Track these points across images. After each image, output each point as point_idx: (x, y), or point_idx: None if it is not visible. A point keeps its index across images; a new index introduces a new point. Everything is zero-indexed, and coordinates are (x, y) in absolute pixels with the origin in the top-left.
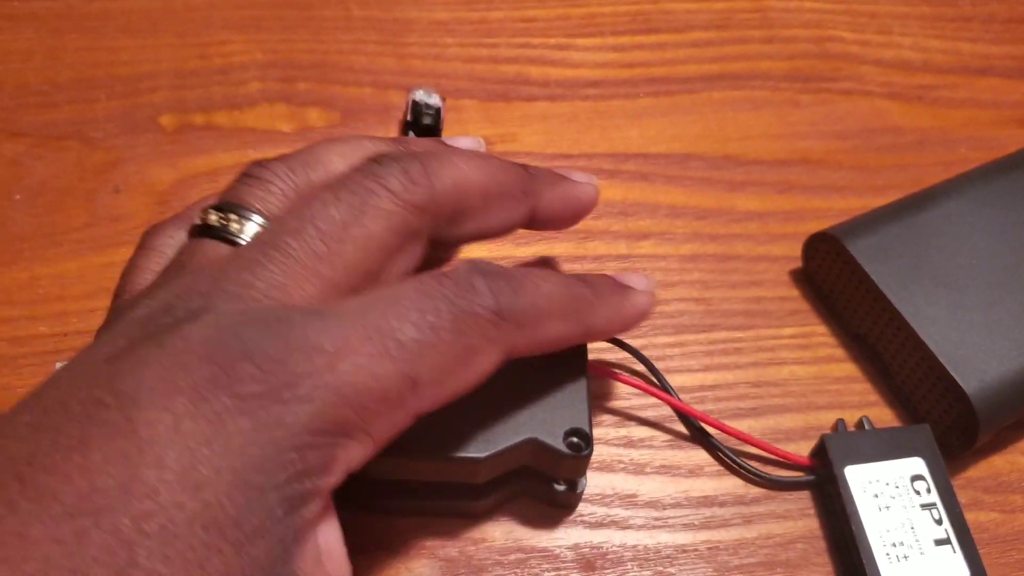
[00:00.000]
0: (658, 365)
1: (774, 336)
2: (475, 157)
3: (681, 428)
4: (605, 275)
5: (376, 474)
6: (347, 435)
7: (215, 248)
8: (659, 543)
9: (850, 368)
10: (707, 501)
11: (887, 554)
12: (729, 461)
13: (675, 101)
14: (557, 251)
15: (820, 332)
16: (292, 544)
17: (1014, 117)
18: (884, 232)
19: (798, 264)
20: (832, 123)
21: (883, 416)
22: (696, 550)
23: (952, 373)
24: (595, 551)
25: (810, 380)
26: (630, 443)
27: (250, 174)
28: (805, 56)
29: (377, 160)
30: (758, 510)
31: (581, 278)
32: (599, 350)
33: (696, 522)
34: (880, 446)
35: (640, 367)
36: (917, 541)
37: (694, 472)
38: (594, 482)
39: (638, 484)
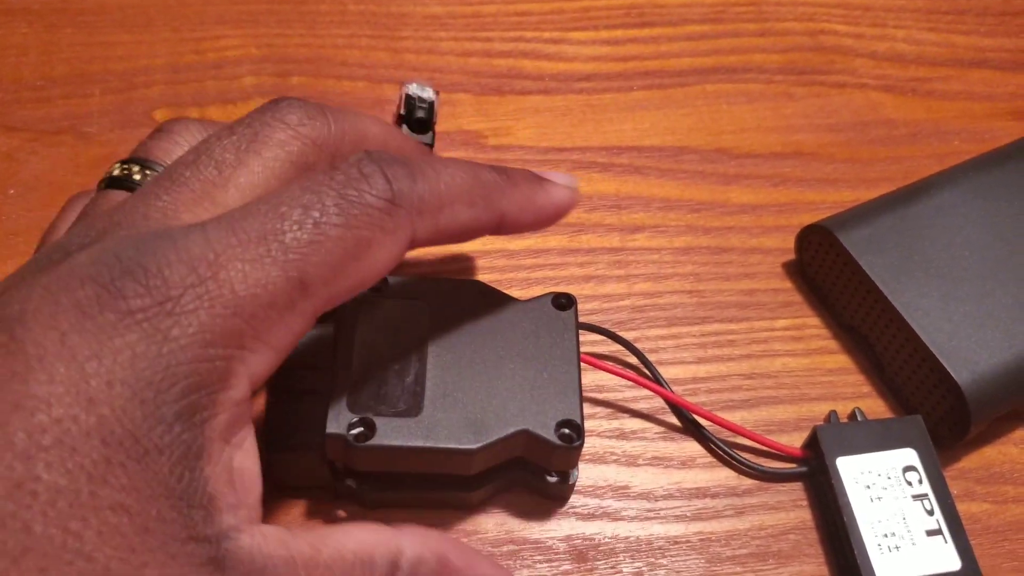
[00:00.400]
0: (651, 357)
1: (767, 328)
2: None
3: (674, 420)
4: (522, 168)
5: (370, 467)
6: (241, 346)
7: (117, 196)
8: (651, 534)
9: (843, 360)
10: (699, 492)
11: (878, 545)
12: (721, 453)
13: (668, 94)
14: (551, 245)
15: (813, 324)
16: (197, 459)
17: (1008, 109)
18: (877, 224)
19: (791, 256)
20: (826, 116)
21: (876, 408)
22: (688, 541)
23: (944, 364)
24: (587, 542)
25: (803, 372)
26: (623, 435)
27: (160, 128)
28: (799, 49)
29: (280, 101)
30: (750, 501)
31: (493, 166)
32: (592, 343)
33: (688, 513)
34: (872, 437)
35: (633, 359)
36: (909, 532)
37: (686, 464)
38: (587, 474)
39: (631, 476)
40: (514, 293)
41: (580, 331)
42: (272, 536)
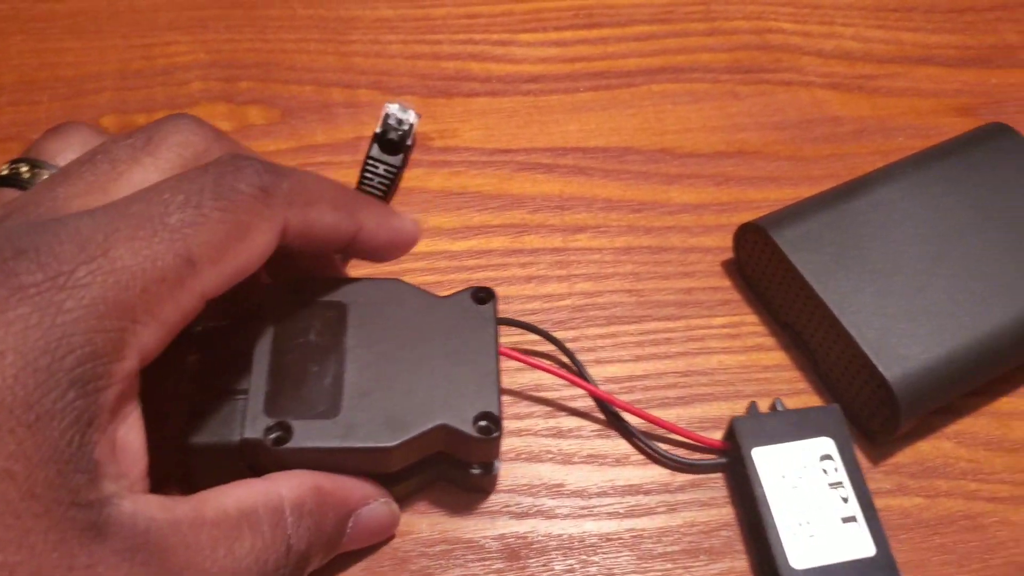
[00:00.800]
0: (589, 356)
1: (704, 326)
2: None
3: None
4: None
5: (290, 469)
6: (133, 319)
7: (7, 193)
8: (584, 532)
9: (779, 356)
10: (632, 489)
11: (794, 533)
12: (643, 445)
13: (615, 95)
14: (493, 246)
15: (750, 321)
16: (87, 427)
17: (953, 105)
18: (811, 221)
19: (730, 255)
20: (771, 114)
21: (810, 402)
22: (620, 538)
23: (874, 360)
24: (520, 540)
25: (739, 369)
26: (559, 433)
27: (52, 130)
28: (746, 48)
29: (178, 115)
30: (683, 498)
31: None
32: (531, 342)
33: (621, 510)
34: (789, 427)
35: (564, 358)
36: (824, 519)
37: (620, 461)
38: (522, 472)
39: (565, 474)
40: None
41: (514, 328)
42: (154, 502)
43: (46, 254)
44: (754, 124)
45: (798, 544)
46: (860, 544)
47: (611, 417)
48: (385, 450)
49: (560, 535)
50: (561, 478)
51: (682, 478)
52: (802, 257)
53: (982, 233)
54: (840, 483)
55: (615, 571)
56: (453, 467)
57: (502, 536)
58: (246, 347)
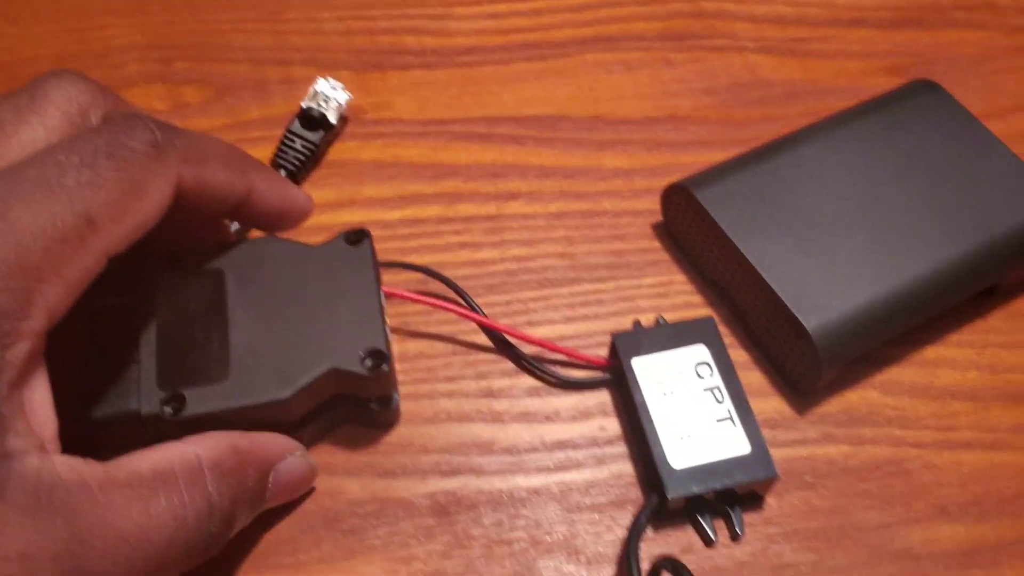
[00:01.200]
0: (522, 319)
1: (634, 286)
2: None
3: (541, 377)
4: None
5: (198, 430)
6: (38, 279)
7: None
8: (513, 486)
9: (707, 313)
10: (562, 445)
11: (672, 436)
12: (528, 366)
13: (548, 65)
14: (427, 215)
15: (679, 280)
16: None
17: (883, 66)
18: (733, 180)
19: (659, 217)
20: (703, 80)
21: (738, 357)
22: (549, 491)
23: (794, 311)
24: (449, 497)
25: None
26: (489, 393)
27: None
28: (679, 16)
29: (59, 72)
30: (611, 451)
31: None
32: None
33: (551, 465)
34: (666, 338)
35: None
36: (700, 421)
37: (551, 418)
38: (453, 431)
39: (495, 432)
40: (392, 258)
41: (406, 271)
42: (63, 462)
43: None
44: (686, 90)
45: (677, 445)
46: (736, 443)
47: (499, 344)
48: (280, 403)
49: (489, 490)
50: (491, 436)
51: (611, 432)
52: (724, 215)
53: (903, 187)
54: (715, 387)
55: (542, 522)
56: (353, 406)
57: (432, 494)
58: (133, 323)
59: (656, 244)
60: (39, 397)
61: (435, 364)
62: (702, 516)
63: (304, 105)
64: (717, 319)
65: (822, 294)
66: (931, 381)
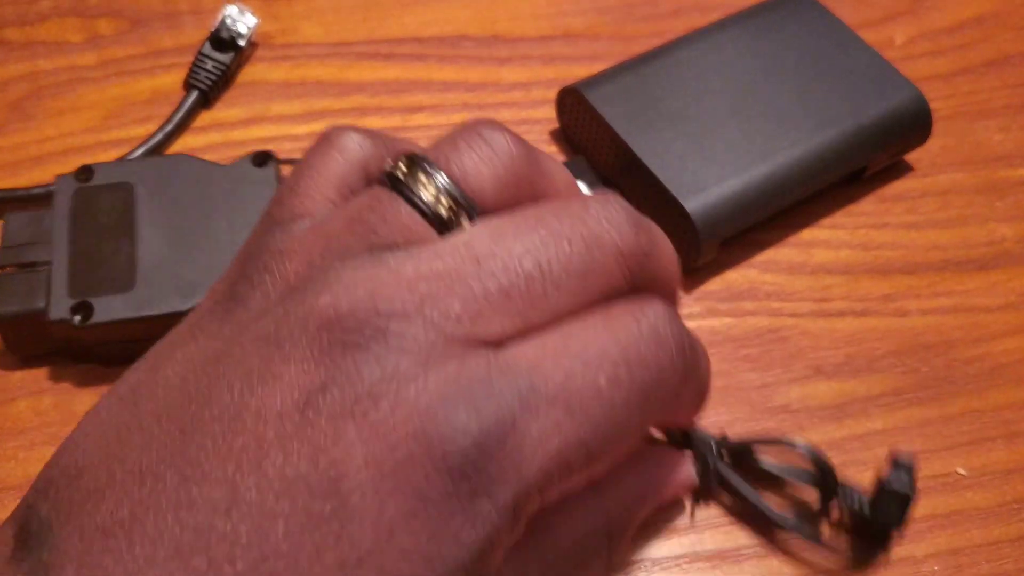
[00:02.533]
0: None
1: None
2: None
3: None
4: None
5: (99, 342)
6: (530, 507)
7: (410, 219)
8: None
9: None
10: None
11: None
12: None
13: None
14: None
15: (577, 183)
16: None
17: None
18: (620, 81)
19: (556, 124)
20: (595, 0)
21: None
22: None
23: (675, 194)
24: None
25: None
26: None
27: (478, 134)
28: None
29: (611, 202)
30: None
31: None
32: None
33: None
34: None
35: None
36: None
37: None
38: None
39: None
40: None
41: None
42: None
43: (482, 455)
44: (578, 9)
45: None
46: None
47: None
48: (183, 314)
49: None
50: None
51: None
52: (611, 112)
53: (776, 83)
54: None
55: None
56: None
57: None
58: (46, 232)
59: (554, 148)
60: None
61: None
62: None
63: (214, 29)
64: None
65: (700, 178)
66: (806, 259)
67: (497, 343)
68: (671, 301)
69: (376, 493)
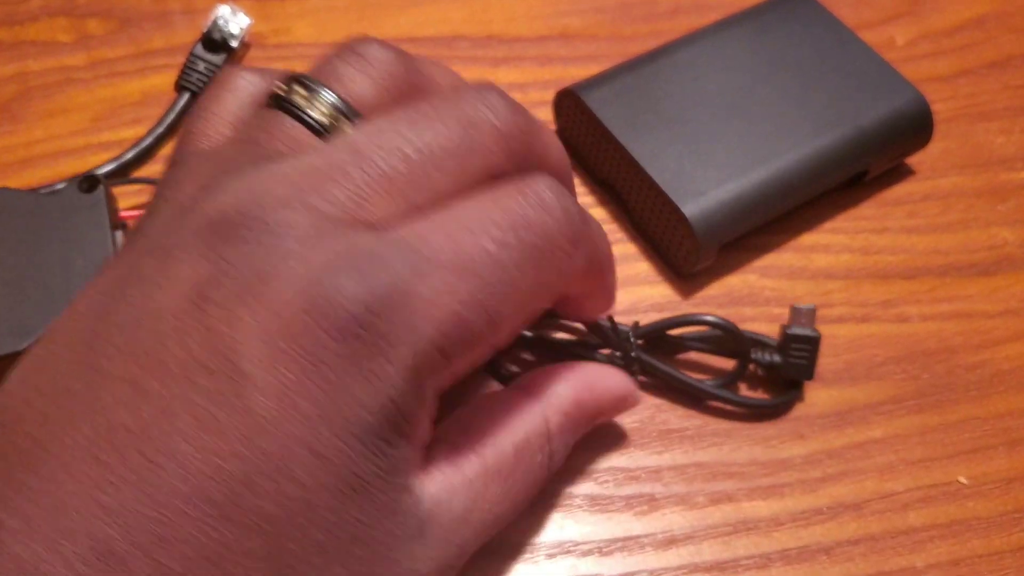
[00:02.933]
0: None
1: None
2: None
3: None
4: None
5: None
6: (435, 372)
7: (294, 131)
8: None
9: (599, 212)
10: None
11: None
12: None
13: None
14: None
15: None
16: (402, 491)
17: None
18: (617, 83)
19: (553, 125)
20: (592, 0)
21: (628, 250)
22: None
23: (673, 198)
24: None
25: None
26: None
27: (353, 50)
28: None
29: (487, 88)
30: None
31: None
32: None
33: None
34: None
35: None
36: None
37: None
38: None
39: None
40: None
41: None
42: (458, 490)
43: (372, 315)
44: (575, 10)
45: None
46: None
47: None
48: (17, 354)
49: None
50: None
51: None
52: (609, 115)
53: (775, 85)
54: None
55: None
56: None
57: None
58: None
59: None
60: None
61: None
62: None
63: (206, 29)
64: (607, 215)
65: (698, 182)
66: (807, 264)
67: (383, 224)
68: (560, 180)
69: (272, 363)
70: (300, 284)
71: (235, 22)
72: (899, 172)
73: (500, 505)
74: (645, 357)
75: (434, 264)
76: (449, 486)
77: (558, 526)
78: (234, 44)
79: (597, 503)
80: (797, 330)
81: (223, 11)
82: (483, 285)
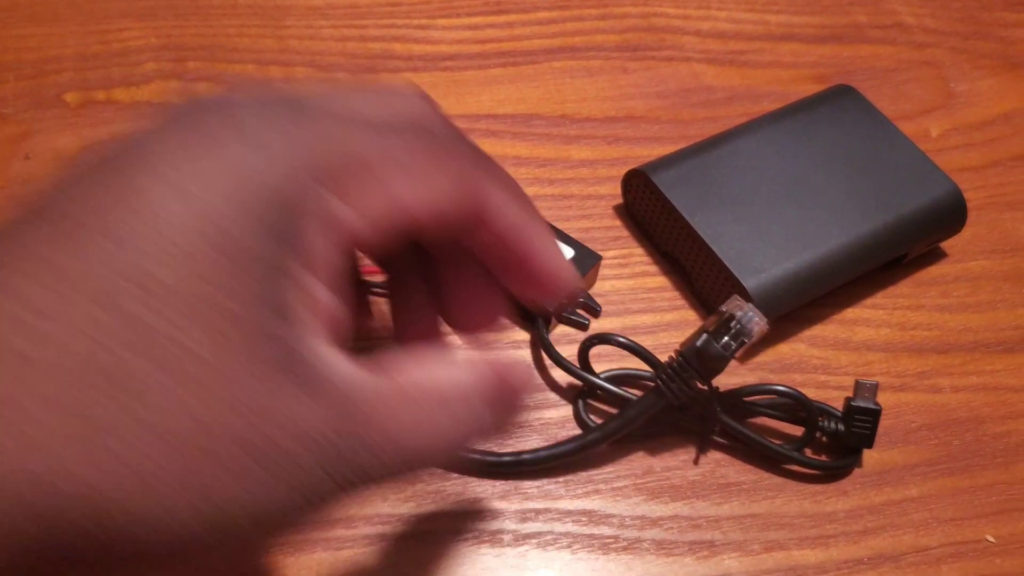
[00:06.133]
0: None
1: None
2: None
3: (518, 332)
4: None
5: None
6: (326, 186)
7: None
8: None
9: (662, 280)
10: (539, 388)
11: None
12: None
13: (520, 71)
14: None
15: (637, 254)
16: (288, 274)
17: (811, 75)
18: (683, 165)
19: (620, 200)
20: (655, 85)
21: (688, 316)
22: (530, 425)
23: (735, 273)
24: None
25: (627, 291)
26: None
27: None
28: (634, 30)
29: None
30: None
31: None
32: None
33: (530, 404)
34: None
35: None
36: None
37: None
38: None
39: None
40: None
41: None
42: (359, 367)
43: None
44: (640, 94)
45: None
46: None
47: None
48: None
49: None
50: None
51: None
52: (676, 194)
53: (824, 172)
54: None
55: None
56: None
57: None
58: None
59: (617, 223)
60: (329, 299)
61: None
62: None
63: None
64: (670, 284)
65: (758, 259)
66: (850, 336)
67: None
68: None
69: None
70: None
71: None
72: (934, 254)
73: (417, 436)
74: (727, 419)
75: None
76: (359, 377)
77: (627, 567)
78: None
79: (663, 547)
80: (861, 402)
81: None
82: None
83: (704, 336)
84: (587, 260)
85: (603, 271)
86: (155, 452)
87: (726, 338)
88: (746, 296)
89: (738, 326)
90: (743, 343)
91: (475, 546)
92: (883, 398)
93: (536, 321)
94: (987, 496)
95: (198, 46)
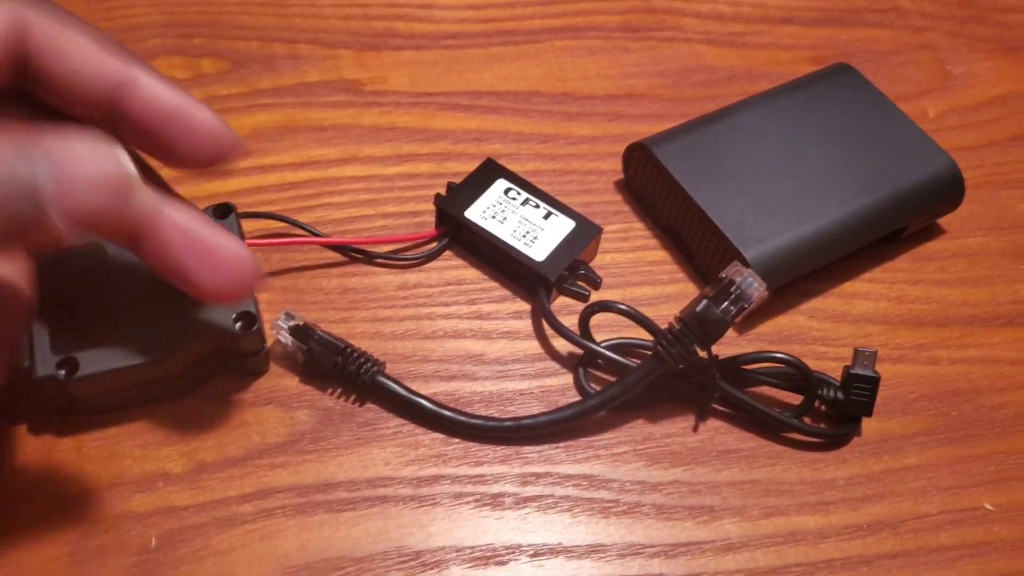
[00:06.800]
0: None
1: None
2: None
3: (520, 303)
4: None
5: (88, 393)
6: None
7: None
8: (502, 388)
9: (662, 254)
10: (541, 356)
11: (522, 244)
12: (384, 261)
13: (522, 49)
14: (420, 170)
15: (638, 228)
16: None
17: (809, 56)
18: (684, 139)
19: (621, 176)
20: (656, 65)
21: (688, 289)
22: (531, 393)
23: (735, 243)
24: (449, 397)
25: (628, 264)
26: (480, 316)
27: None
28: (635, 11)
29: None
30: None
31: None
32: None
33: (531, 372)
34: (474, 187)
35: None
36: (533, 224)
37: (530, 335)
38: (447, 346)
39: (485, 346)
40: (390, 210)
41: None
42: None
43: None
44: (641, 73)
45: (530, 247)
46: (564, 225)
47: (351, 256)
48: (163, 361)
49: (482, 391)
50: (482, 350)
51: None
52: (677, 166)
53: (823, 148)
54: (526, 199)
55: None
56: (228, 356)
57: (433, 393)
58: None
59: (618, 198)
60: None
61: (432, 291)
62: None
63: None
64: (670, 258)
65: (758, 230)
66: (848, 309)
67: None
68: None
69: None
70: None
71: None
72: (931, 231)
73: None
74: (727, 386)
75: None
76: None
77: (627, 530)
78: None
79: (663, 512)
80: (860, 370)
81: None
82: None
83: (704, 301)
84: (588, 232)
85: (604, 244)
86: None
87: (726, 303)
88: (746, 266)
89: (738, 291)
90: (743, 308)
91: (476, 508)
92: (882, 370)
93: (537, 291)
94: (985, 465)
95: (202, 23)
